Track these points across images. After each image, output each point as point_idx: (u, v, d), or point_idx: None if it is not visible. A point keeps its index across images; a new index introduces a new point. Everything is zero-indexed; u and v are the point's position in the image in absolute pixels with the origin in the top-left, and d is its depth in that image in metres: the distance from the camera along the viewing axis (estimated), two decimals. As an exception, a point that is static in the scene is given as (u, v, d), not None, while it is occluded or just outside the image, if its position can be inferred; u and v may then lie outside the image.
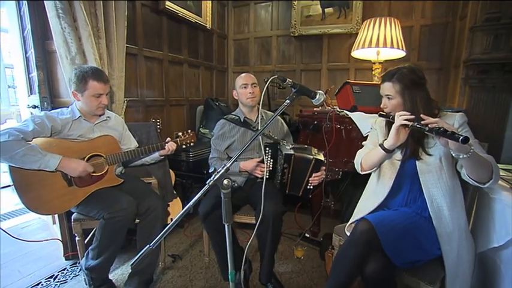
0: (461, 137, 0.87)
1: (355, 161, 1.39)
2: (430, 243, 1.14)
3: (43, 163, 1.32)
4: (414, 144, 1.19)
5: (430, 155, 1.17)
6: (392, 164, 1.26)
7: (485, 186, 1.03)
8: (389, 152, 1.18)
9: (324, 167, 1.59)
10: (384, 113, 1.25)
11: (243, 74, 1.77)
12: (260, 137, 1.56)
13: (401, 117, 1.09)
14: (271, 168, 1.59)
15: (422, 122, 1.03)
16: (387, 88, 1.21)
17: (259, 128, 1.72)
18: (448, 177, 1.15)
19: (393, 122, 1.14)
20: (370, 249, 1.08)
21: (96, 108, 1.53)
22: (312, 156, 1.52)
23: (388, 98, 1.22)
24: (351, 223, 1.33)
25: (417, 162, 1.19)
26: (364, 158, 1.32)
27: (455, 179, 1.17)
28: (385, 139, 1.18)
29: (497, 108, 1.93)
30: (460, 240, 1.12)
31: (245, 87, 1.73)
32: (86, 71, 1.47)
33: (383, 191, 1.26)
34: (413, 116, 1.08)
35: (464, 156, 0.95)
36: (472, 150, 0.95)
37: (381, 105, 1.28)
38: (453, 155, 1.00)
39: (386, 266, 1.07)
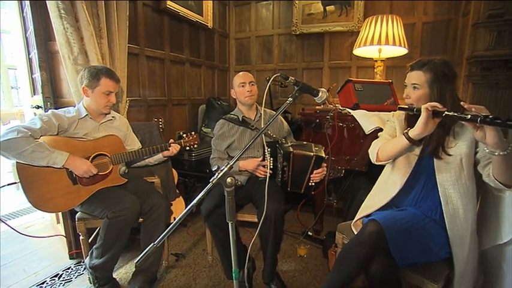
0: None
1: (370, 151, 1.32)
2: (438, 247, 1.11)
3: (51, 160, 1.34)
4: (436, 142, 1.12)
5: (450, 155, 1.11)
6: (408, 161, 1.21)
7: (511, 189, 0.98)
8: (412, 143, 1.10)
9: (325, 164, 1.58)
10: (405, 106, 1.15)
11: (241, 73, 1.77)
12: (262, 136, 1.56)
13: (432, 105, 1.00)
14: (271, 166, 1.59)
15: (466, 106, 0.91)
16: (415, 77, 1.13)
17: (258, 127, 1.74)
18: (467, 179, 1.10)
19: (414, 116, 1.07)
20: (377, 251, 1.06)
21: (104, 106, 1.55)
22: (312, 153, 1.52)
23: (414, 87, 1.14)
24: (357, 219, 1.31)
25: (435, 160, 1.14)
26: (382, 147, 1.25)
27: (473, 182, 1.12)
28: (410, 128, 1.10)
29: (500, 105, 1.92)
30: (471, 242, 1.10)
31: (243, 86, 1.73)
32: (99, 68, 1.52)
33: (394, 187, 1.22)
34: (446, 108, 0.97)
35: (501, 153, 0.88)
36: (510, 147, 0.87)
37: (403, 95, 1.20)
38: (487, 150, 0.92)
39: (391, 266, 1.06)
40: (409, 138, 1.10)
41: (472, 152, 1.09)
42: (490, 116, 0.82)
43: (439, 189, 1.14)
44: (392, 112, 1.35)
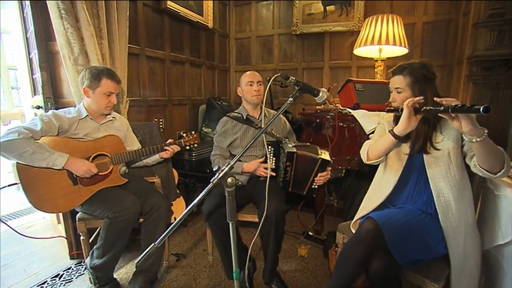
0: (481, 107, 0.79)
1: (361, 151, 1.38)
2: (436, 242, 1.13)
3: (51, 161, 1.34)
4: (422, 138, 1.18)
5: (438, 149, 1.16)
6: (399, 158, 1.25)
7: (496, 176, 1.01)
8: (398, 139, 1.17)
9: (329, 168, 1.58)
10: (392, 108, 1.23)
11: (249, 72, 1.76)
12: (263, 135, 1.56)
13: (412, 102, 1.07)
14: (273, 166, 1.59)
15: (438, 100, 0.97)
16: (397, 81, 1.21)
17: (262, 126, 1.73)
18: (457, 171, 1.14)
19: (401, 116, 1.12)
20: (376, 248, 1.07)
21: (105, 107, 1.55)
22: (318, 156, 1.52)
23: (398, 91, 1.22)
24: (356, 220, 1.32)
25: (425, 155, 1.19)
26: (371, 146, 1.32)
27: (463, 173, 1.16)
28: (395, 126, 1.17)
29: (501, 105, 1.92)
30: (467, 235, 1.11)
31: (251, 85, 1.73)
32: (100, 69, 1.52)
33: (389, 185, 1.26)
34: (422, 98, 1.06)
35: (478, 139, 0.93)
36: (485, 133, 0.93)
37: (390, 99, 1.27)
38: (466, 139, 0.99)
39: (391, 264, 1.07)
40: (394, 135, 1.17)
41: (458, 145, 1.14)
42: (459, 105, 0.89)
43: (430, 183, 1.17)
44: (382, 114, 1.40)
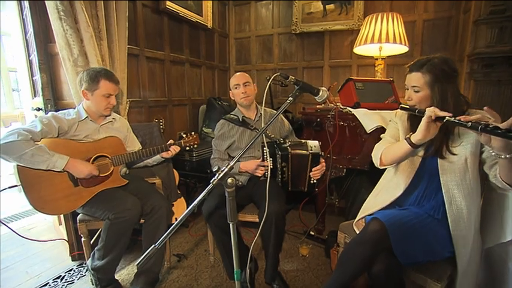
0: None
1: (373, 154, 1.29)
2: (441, 246, 1.10)
3: (51, 163, 1.34)
4: (439, 141, 1.09)
5: (454, 154, 1.08)
6: (412, 161, 1.18)
7: None
8: (416, 148, 1.07)
9: (323, 160, 1.57)
10: (407, 106, 1.12)
11: (236, 74, 1.76)
12: (262, 136, 1.55)
13: (434, 112, 0.96)
14: (271, 167, 1.59)
15: (461, 119, 0.88)
16: (415, 79, 1.10)
17: (257, 127, 1.73)
18: (472, 180, 1.07)
19: (417, 116, 1.04)
20: (380, 249, 1.05)
21: (104, 108, 1.55)
22: (307, 152, 1.51)
23: (415, 90, 1.11)
24: (359, 219, 1.30)
25: (439, 160, 1.11)
26: (385, 152, 1.21)
27: (478, 182, 1.09)
28: (412, 133, 1.07)
29: (502, 102, 1.91)
30: (474, 242, 1.08)
31: (237, 88, 1.72)
32: (98, 70, 1.51)
33: (398, 189, 1.20)
34: (449, 114, 0.94)
35: (508, 156, 0.85)
36: None
37: (405, 98, 1.18)
38: (493, 153, 0.90)
39: (394, 266, 1.05)
40: (411, 144, 1.06)
41: (477, 151, 1.06)
42: (491, 125, 0.79)
43: (443, 189, 1.11)
44: (395, 111, 1.32)
